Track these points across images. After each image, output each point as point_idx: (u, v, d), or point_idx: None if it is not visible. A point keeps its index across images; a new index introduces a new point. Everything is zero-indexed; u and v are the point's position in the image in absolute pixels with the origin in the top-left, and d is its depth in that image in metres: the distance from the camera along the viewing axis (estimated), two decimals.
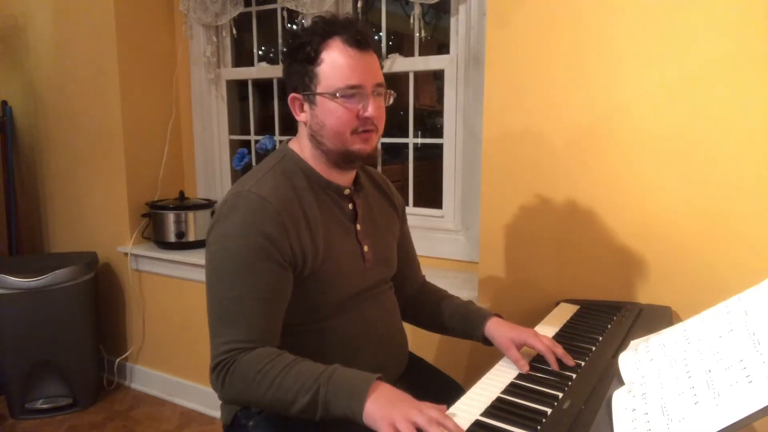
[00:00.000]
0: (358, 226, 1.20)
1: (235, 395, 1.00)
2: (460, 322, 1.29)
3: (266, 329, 1.03)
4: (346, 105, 1.07)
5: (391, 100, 1.16)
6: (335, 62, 1.06)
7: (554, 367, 1.08)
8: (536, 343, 1.12)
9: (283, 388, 0.95)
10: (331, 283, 1.12)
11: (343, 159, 1.12)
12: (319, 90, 1.08)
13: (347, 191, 1.19)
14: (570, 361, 1.09)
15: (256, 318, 1.02)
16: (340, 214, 1.18)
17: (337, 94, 1.06)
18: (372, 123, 1.09)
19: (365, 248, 1.20)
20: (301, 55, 1.08)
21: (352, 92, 1.07)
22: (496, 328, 1.20)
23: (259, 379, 0.96)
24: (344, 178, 1.19)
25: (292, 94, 1.12)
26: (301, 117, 1.13)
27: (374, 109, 1.08)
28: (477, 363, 1.76)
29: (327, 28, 1.07)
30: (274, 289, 1.04)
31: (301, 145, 1.17)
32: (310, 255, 1.08)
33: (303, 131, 1.16)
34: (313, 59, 1.07)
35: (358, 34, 1.06)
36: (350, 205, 1.20)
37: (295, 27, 1.12)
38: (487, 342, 1.23)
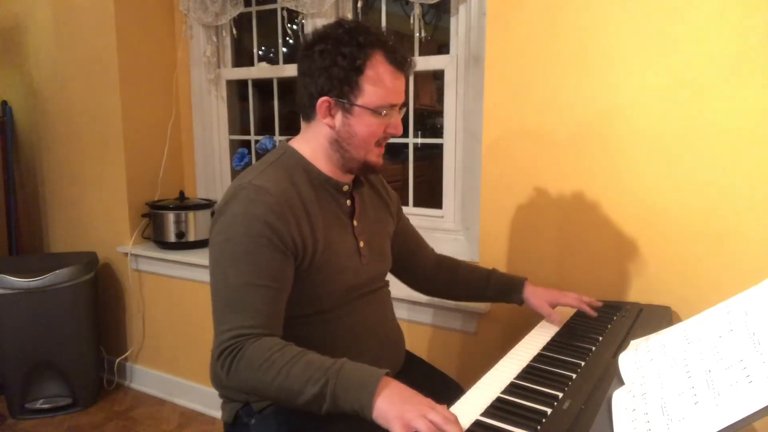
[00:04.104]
0: (355, 222, 1.22)
1: (240, 382, 0.99)
2: (499, 290, 1.41)
3: (271, 316, 1.04)
4: (381, 120, 1.12)
5: (402, 114, 1.20)
6: (382, 79, 1.09)
7: (591, 313, 1.31)
8: (566, 299, 1.34)
9: (291, 378, 0.94)
10: (329, 276, 1.14)
11: (360, 167, 1.17)
12: (359, 102, 1.09)
13: (346, 188, 1.21)
14: (597, 304, 1.34)
15: (260, 305, 1.02)
16: (337, 209, 1.20)
17: (382, 112, 1.10)
18: (394, 136, 1.16)
19: (361, 244, 1.22)
20: (343, 62, 1.07)
21: (391, 110, 1.12)
22: (531, 292, 1.37)
23: (266, 367, 0.96)
24: (344, 176, 1.21)
25: (325, 98, 1.10)
26: (326, 120, 1.12)
27: (401, 126, 1.16)
28: (468, 360, 1.76)
29: (368, 39, 1.08)
30: (277, 276, 1.05)
31: (306, 145, 1.18)
32: (310, 246, 1.10)
33: (319, 132, 1.15)
34: (359, 69, 1.07)
35: (400, 56, 1.10)
36: (348, 202, 1.22)
37: (324, 28, 1.12)
38: (521, 303, 1.39)
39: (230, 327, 1.00)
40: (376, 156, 1.16)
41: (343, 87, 1.08)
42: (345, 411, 0.92)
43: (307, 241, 1.09)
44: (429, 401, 0.90)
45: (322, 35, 1.10)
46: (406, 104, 1.17)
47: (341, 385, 0.92)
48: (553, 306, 1.35)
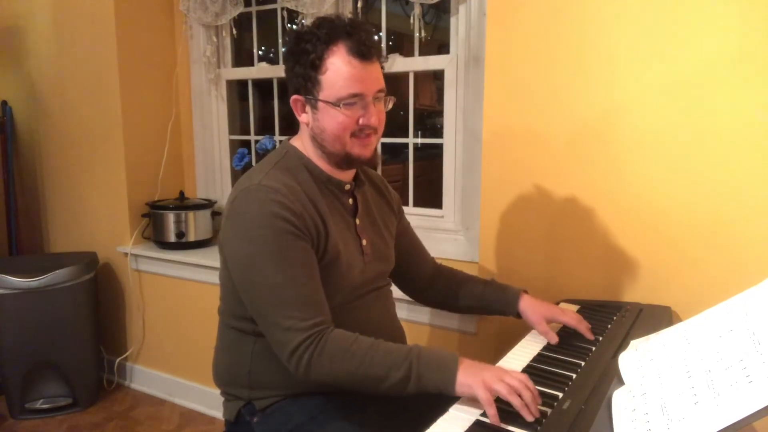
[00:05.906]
0: (357, 221, 1.23)
1: (323, 375, 1.03)
2: (493, 302, 1.36)
3: (321, 302, 1.07)
4: (346, 113, 1.10)
5: (391, 105, 1.18)
6: (339, 72, 1.08)
7: (588, 335, 1.21)
8: (564, 317, 1.26)
9: (375, 365, 1.01)
10: (334, 272, 1.14)
11: (343, 161, 1.16)
12: (321, 97, 1.10)
13: (348, 186, 1.22)
14: (590, 335, 1.22)
15: (308, 294, 1.06)
16: (340, 207, 1.21)
17: (340, 104, 1.09)
18: (371, 127, 1.13)
19: (364, 242, 1.23)
20: (305, 60, 1.09)
21: (353, 101, 1.09)
22: (528, 305, 1.31)
23: (349, 357, 1.01)
24: (345, 175, 1.22)
25: (295, 96, 1.14)
26: (302, 118, 1.16)
27: (374, 116, 1.12)
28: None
29: (331, 34, 1.08)
30: (310, 264, 1.08)
31: (303, 143, 1.20)
32: (322, 238, 1.12)
33: (305, 131, 1.19)
34: (317, 66, 1.09)
35: (363, 45, 1.08)
36: (350, 200, 1.23)
37: (297, 27, 1.14)
38: (519, 316, 1.32)
39: (297, 324, 1.03)
40: (359, 148, 1.13)
41: (306, 84, 1.11)
42: (428, 390, 1.00)
43: (320, 232, 1.12)
44: (504, 370, 0.99)
45: (292, 36, 1.14)
46: (383, 92, 1.14)
47: (424, 367, 1.00)
48: (550, 322, 1.27)
